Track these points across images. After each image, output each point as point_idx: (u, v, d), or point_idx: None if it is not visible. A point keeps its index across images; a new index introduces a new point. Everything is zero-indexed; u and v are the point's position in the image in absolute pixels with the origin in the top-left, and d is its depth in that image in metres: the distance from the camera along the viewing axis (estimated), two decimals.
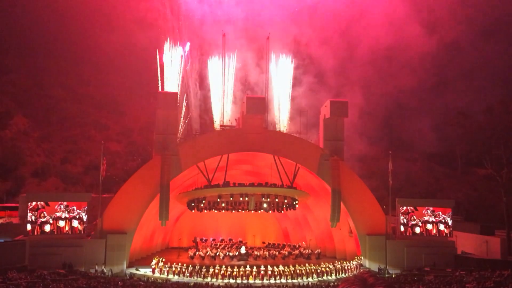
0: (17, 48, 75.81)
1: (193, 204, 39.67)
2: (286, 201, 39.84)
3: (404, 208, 40.38)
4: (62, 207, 36.12)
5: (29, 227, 35.34)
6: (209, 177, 39.17)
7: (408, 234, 40.07)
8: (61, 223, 36.00)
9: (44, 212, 35.67)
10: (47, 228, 35.68)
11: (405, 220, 40.25)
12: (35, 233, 35.39)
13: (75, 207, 36.32)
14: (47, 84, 74.29)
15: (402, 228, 40.20)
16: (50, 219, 35.73)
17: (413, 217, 40.27)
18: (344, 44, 52.94)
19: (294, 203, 40.22)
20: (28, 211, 35.44)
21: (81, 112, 71.61)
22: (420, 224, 40.31)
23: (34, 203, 35.66)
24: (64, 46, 75.89)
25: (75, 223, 36.29)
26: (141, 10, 59.23)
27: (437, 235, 40.29)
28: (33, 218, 35.47)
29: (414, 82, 61.77)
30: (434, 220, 40.46)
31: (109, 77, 77.99)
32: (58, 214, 35.92)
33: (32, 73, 74.33)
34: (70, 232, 36.03)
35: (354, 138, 48.66)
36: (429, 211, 40.51)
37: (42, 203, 35.79)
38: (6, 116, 63.51)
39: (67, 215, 36.06)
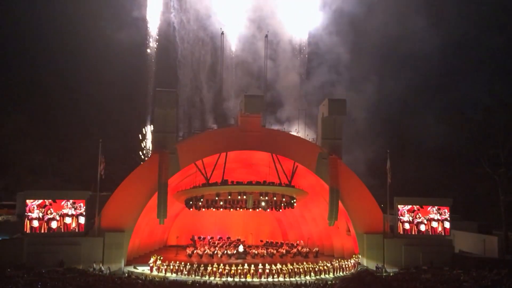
0: (15, 44, 75.53)
1: (191, 203, 39.73)
2: (284, 199, 39.91)
3: (409, 206, 40.48)
4: (69, 204, 36.45)
5: (36, 223, 35.77)
6: (207, 175, 39.21)
7: (413, 233, 40.18)
8: (68, 220, 36.32)
9: (51, 209, 36.01)
10: (54, 224, 36.09)
11: (410, 218, 40.36)
12: (43, 230, 35.81)
13: (81, 204, 36.62)
14: (45, 81, 73.99)
15: (407, 226, 40.31)
16: (57, 216, 36.12)
17: (419, 215, 40.42)
18: (346, 39, 52.59)
19: (292, 201, 40.29)
20: (35, 207, 35.85)
21: (79, 110, 71.43)
22: (425, 222, 40.45)
23: (41, 200, 36.07)
24: (63, 43, 75.64)
25: (81, 220, 36.58)
26: (141, 7, 58.93)
27: (442, 233, 40.41)
28: (40, 215, 35.82)
29: (417, 78, 61.70)
30: (439, 218, 40.58)
31: (107, 74, 77.71)
32: (64, 211, 36.30)
33: (30, 70, 74.01)
34: (76, 229, 36.40)
35: (358, 136, 48.67)
36: (434, 209, 40.65)
37: (50, 200, 36.20)
38: (3, 113, 63.32)
39: (73, 212, 36.39)
